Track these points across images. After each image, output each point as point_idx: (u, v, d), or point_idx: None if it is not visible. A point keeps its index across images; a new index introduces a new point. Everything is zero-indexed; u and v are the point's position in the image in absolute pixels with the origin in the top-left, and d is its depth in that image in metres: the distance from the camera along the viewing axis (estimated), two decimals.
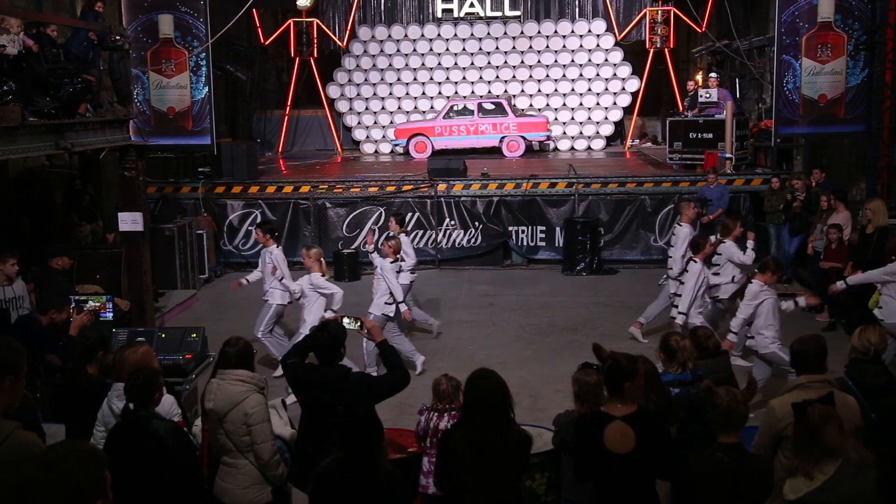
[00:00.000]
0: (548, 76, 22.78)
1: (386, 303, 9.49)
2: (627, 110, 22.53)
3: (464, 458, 4.31)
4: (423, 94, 22.94)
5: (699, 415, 4.80)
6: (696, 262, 9.23)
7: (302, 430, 5.38)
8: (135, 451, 4.42)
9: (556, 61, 22.74)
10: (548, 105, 22.64)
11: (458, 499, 4.36)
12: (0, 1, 10.63)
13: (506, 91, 22.52)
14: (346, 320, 5.32)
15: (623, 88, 22.58)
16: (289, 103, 22.85)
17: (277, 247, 10.15)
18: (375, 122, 23.00)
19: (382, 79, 23.02)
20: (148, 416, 4.60)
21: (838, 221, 11.27)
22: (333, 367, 5.25)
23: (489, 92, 22.50)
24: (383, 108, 22.97)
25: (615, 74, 22.62)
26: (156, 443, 4.45)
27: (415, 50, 23.01)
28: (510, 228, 15.19)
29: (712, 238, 9.96)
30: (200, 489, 4.91)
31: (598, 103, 22.60)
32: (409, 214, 15.23)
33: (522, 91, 22.78)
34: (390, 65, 23.04)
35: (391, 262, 9.67)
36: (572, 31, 22.77)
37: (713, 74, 17.39)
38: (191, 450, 4.82)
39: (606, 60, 22.61)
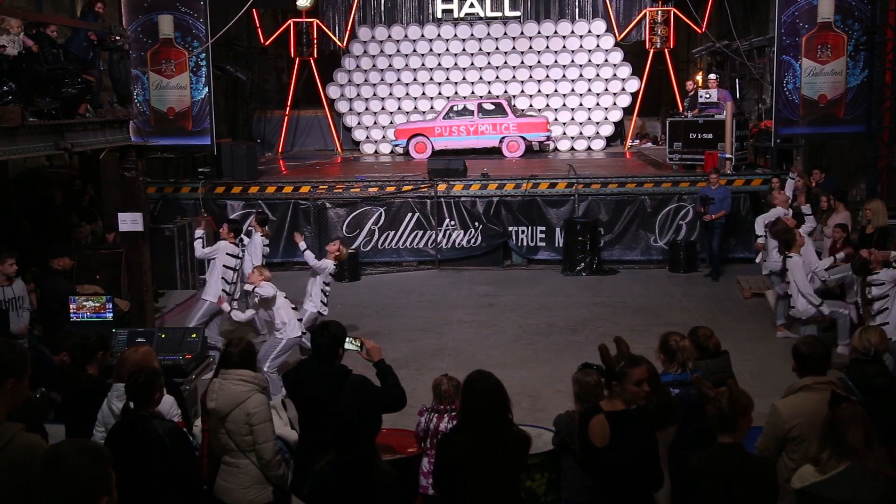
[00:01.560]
0: (548, 76, 22.78)
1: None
2: (627, 111, 22.53)
3: (464, 462, 4.31)
4: (423, 94, 22.94)
5: (698, 415, 4.80)
6: (791, 256, 9.21)
7: (302, 440, 5.37)
8: (134, 450, 4.42)
9: (556, 62, 22.73)
10: (548, 105, 22.63)
11: (459, 502, 4.36)
12: (0, 1, 10.62)
13: (506, 91, 22.51)
14: (347, 340, 5.30)
15: (623, 89, 22.58)
16: (289, 103, 22.84)
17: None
18: (375, 123, 23.00)
19: (382, 79, 23.01)
20: (148, 416, 4.60)
21: (839, 222, 11.27)
22: (332, 366, 5.25)
23: (489, 92, 22.50)
24: (383, 108, 22.97)
25: (615, 75, 22.62)
26: (155, 442, 4.45)
27: (415, 50, 23.00)
28: (510, 229, 15.18)
29: (801, 229, 10.11)
30: (199, 489, 4.91)
31: (598, 104, 22.59)
32: (410, 214, 15.25)
33: (522, 91, 22.77)
34: (390, 65, 23.03)
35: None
36: (572, 32, 22.76)
37: (712, 75, 17.39)
38: (189, 450, 4.82)
39: (606, 61, 22.61)
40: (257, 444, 4.95)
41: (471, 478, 4.29)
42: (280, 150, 22.76)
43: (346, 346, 5.27)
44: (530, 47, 22.83)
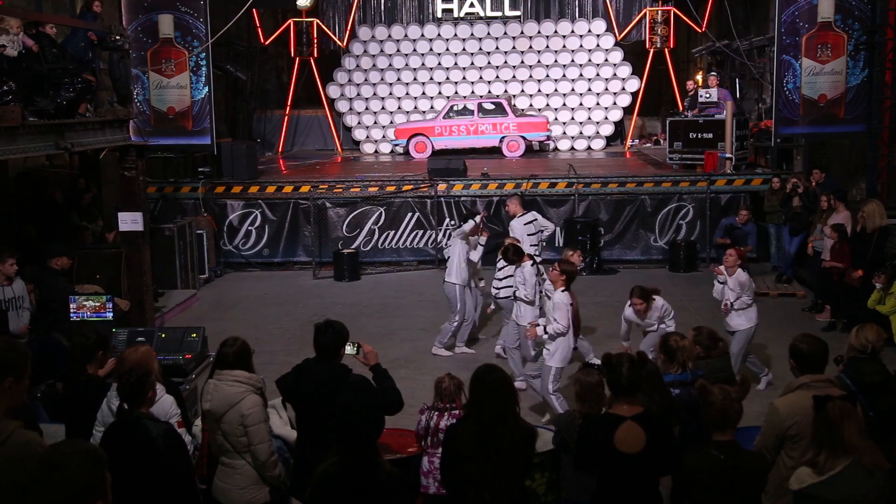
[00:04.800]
0: (548, 76, 22.78)
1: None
2: (627, 110, 22.52)
3: (469, 452, 4.32)
4: (423, 94, 22.93)
5: (699, 415, 4.81)
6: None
7: (301, 440, 5.37)
8: (126, 451, 4.39)
9: (556, 61, 22.73)
10: (548, 105, 22.63)
11: (463, 493, 4.37)
12: (0, 1, 10.62)
13: (506, 91, 22.51)
14: (347, 346, 5.32)
15: (623, 88, 22.58)
16: (289, 103, 22.84)
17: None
18: (375, 122, 23.00)
19: (382, 79, 23.01)
20: (140, 417, 4.56)
21: (839, 221, 11.29)
22: (333, 365, 5.25)
23: (489, 92, 22.49)
24: (383, 108, 22.97)
25: (615, 74, 22.62)
26: (147, 444, 4.41)
27: (415, 50, 23.00)
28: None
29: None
30: (193, 492, 4.87)
31: (598, 103, 22.59)
32: (409, 214, 15.25)
33: (522, 91, 22.77)
34: (390, 65, 23.03)
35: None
36: (572, 31, 22.76)
37: (712, 74, 17.39)
38: (183, 452, 4.75)
39: (606, 60, 22.61)
40: (252, 445, 4.93)
41: (476, 468, 4.29)
42: (280, 149, 22.76)
43: (346, 350, 5.29)
44: (530, 47, 22.83)
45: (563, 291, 7.82)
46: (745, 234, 13.27)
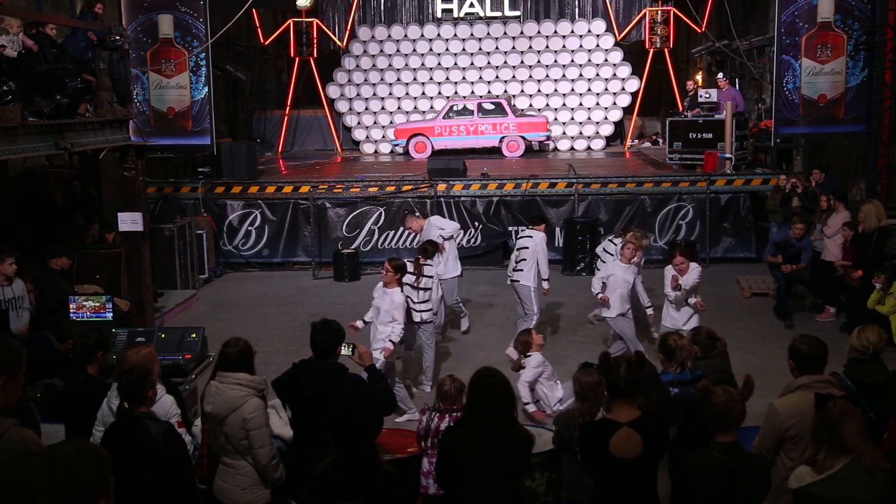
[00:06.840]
0: (548, 76, 22.78)
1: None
2: (627, 110, 22.53)
3: (465, 455, 4.31)
4: (423, 94, 22.94)
5: (698, 415, 4.81)
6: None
7: (296, 440, 5.36)
8: (127, 450, 4.38)
9: (556, 61, 22.74)
10: (548, 105, 22.64)
11: (458, 495, 4.36)
12: (1, 1, 10.62)
13: (506, 91, 22.51)
14: (342, 346, 5.34)
15: (623, 88, 22.58)
16: (289, 103, 22.85)
17: None
18: (375, 122, 23.00)
19: (382, 79, 23.02)
20: (141, 417, 4.56)
21: (839, 221, 11.30)
22: (329, 363, 5.25)
23: (489, 92, 22.50)
24: (383, 108, 22.97)
25: (615, 74, 22.62)
26: (147, 443, 4.41)
27: (415, 50, 23.01)
28: (510, 228, 15.15)
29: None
30: (193, 491, 4.87)
31: (597, 103, 22.60)
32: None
33: (522, 91, 22.78)
34: (390, 65, 23.04)
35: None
36: (572, 31, 22.77)
37: (720, 75, 17.36)
38: (183, 452, 4.75)
39: (606, 60, 22.62)
40: (253, 448, 4.93)
41: (471, 471, 4.29)
42: (280, 149, 22.77)
43: (342, 352, 5.30)
44: (530, 47, 22.83)
45: (398, 291, 8.18)
46: (800, 250, 11.56)
